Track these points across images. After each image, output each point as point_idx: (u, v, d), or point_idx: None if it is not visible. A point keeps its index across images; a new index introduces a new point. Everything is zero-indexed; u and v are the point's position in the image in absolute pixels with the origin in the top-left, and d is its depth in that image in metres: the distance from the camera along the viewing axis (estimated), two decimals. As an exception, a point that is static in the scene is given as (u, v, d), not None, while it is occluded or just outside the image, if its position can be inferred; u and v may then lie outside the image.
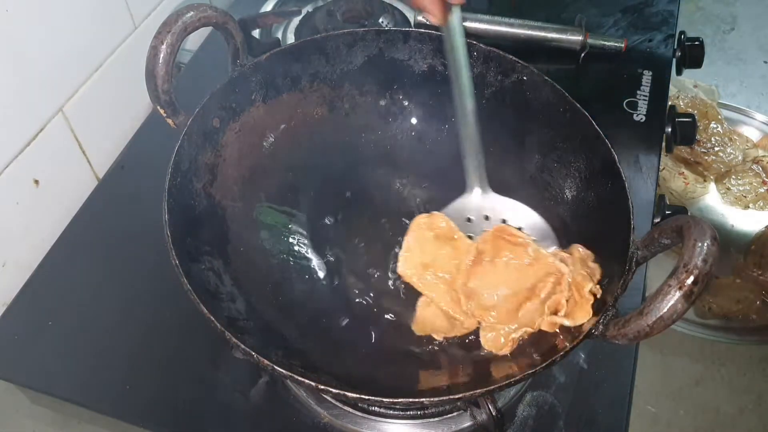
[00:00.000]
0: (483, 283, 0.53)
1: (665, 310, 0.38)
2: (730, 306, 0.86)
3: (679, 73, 0.90)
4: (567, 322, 0.43)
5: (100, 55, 0.72)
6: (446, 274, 0.54)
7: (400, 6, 0.87)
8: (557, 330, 0.46)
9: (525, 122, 0.60)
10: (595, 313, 0.43)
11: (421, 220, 0.56)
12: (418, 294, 0.57)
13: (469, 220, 0.57)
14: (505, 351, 0.50)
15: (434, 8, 0.51)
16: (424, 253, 0.55)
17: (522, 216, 0.57)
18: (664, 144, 0.78)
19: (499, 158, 0.58)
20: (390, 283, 0.59)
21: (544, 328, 0.46)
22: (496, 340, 0.50)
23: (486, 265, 0.53)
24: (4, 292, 0.64)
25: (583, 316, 0.43)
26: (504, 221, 0.57)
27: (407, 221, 0.59)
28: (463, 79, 0.54)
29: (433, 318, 0.54)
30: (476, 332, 0.52)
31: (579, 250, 0.50)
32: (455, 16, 0.53)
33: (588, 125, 0.55)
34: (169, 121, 0.52)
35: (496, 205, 0.57)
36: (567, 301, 0.47)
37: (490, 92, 0.60)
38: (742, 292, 0.87)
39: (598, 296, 0.45)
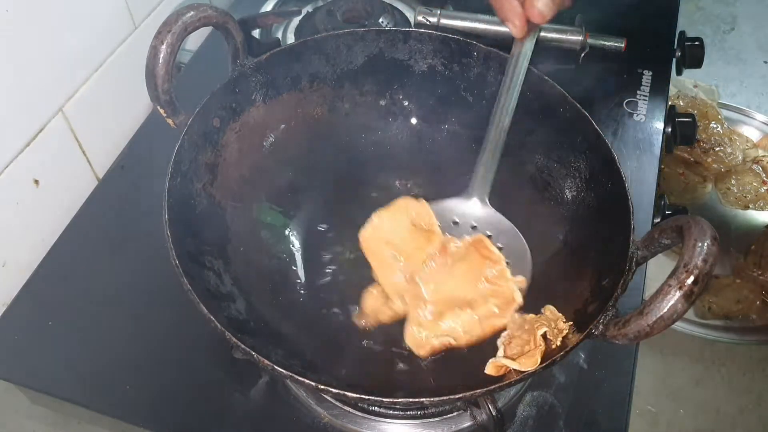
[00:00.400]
0: (432, 279, 0.53)
1: (665, 310, 0.38)
2: (730, 306, 0.86)
3: (679, 73, 0.90)
4: (516, 366, 0.43)
5: (100, 55, 0.72)
6: (404, 260, 0.54)
7: (400, 6, 0.87)
8: (504, 372, 0.45)
9: (525, 122, 0.60)
10: (542, 361, 0.43)
11: (405, 202, 0.56)
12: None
13: (455, 223, 0.57)
14: (422, 353, 0.50)
15: (519, 22, 0.51)
16: (392, 232, 0.55)
17: (507, 238, 0.56)
18: (664, 144, 0.78)
19: (499, 158, 0.58)
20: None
21: (489, 371, 0.45)
22: (418, 338, 0.51)
23: (446, 266, 0.53)
24: (4, 292, 0.64)
25: (531, 363, 0.43)
26: (489, 236, 0.56)
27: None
28: (511, 100, 0.54)
29: (377, 306, 0.54)
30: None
31: (551, 309, 0.49)
32: (529, 39, 0.53)
33: (588, 125, 0.55)
34: (169, 121, 0.52)
35: (489, 220, 0.57)
36: (524, 345, 0.47)
37: (490, 92, 0.60)
38: (742, 292, 0.87)
39: (555, 346, 0.45)
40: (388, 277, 0.54)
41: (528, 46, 0.54)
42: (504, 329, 0.50)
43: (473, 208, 0.57)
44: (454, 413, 0.55)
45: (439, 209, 0.57)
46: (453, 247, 0.55)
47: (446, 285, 0.54)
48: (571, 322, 0.47)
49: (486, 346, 0.49)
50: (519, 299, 0.51)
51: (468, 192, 0.57)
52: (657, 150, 0.75)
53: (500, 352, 0.46)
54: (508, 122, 0.55)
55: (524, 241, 0.56)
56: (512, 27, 0.52)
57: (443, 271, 0.54)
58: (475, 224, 0.57)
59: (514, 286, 0.52)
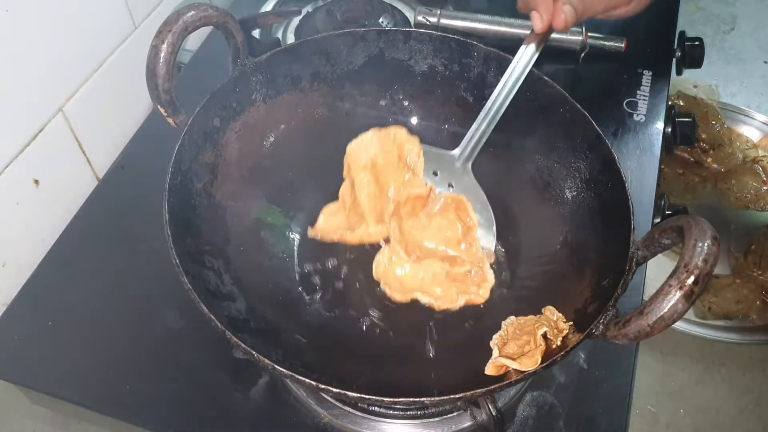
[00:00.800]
0: (413, 221, 0.54)
1: (666, 310, 0.38)
2: (730, 306, 0.86)
3: (679, 73, 0.90)
4: (516, 366, 0.43)
5: (100, 54, 0.72)
6: (386, 186, 0.54)
7: (400, 6, 0.87)
8: (504, 372, 0.45)
9: (525, 122, 0.60)
10: (542, 361, 0.43)
11: (400, 132, 0.56)
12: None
13: (435, 174, 0.57)
14: (381, 278, 0.53)
15: (546, 15, 0.52)
16: (379, 154, 0.55)
17: (478, 208, 0.57)
18: (664, 144, 0.78)
19: (499, 158, 0.58)
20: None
21: (489, 371, 0.45)
22: (385, 263, 0.53)
23: (423, 212, 0.55)
24: (4, 292, 0.64)
25: (531, 363, 0.43)
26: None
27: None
28: (507, 89, 0.55)
29: (334, 223, 0.56)
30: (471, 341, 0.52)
31: (551, 309, 0.49)
32: (539, 44, 0.54)
33: (588, 125, 0.55)
34: (170, 120, 0.52)
35: (467, 184, 0.57)
36: (524, 346, 0.47)
37: (490, 92, 0.60)
38: (742, 292, 0.87)
39: (555, 346, 0.45)
40: (368, 200, 0.54)
41: (533, 49, 0.55)
42: (475, 304, 0.53)
43: (455, 166, 0.57)
44: (455, 413, 0.55)
45: (426, 153, 0.57)
46: (434, 196, 0.55)
47: (421, 231, 0.54)
48: (572, 322, 0.47)
49: (486, 346, 0.49)
50: (491, 278, 0.53)
51: (456, 151, 0.57)
52: (657, 150, 0.75)
53: (495, 353, 0.46)
54: (505, 104, 0.56)
55: (493, 216, 0.57)
56: (537, 18, 0.52)
57: (420, 216, 0.54)
58: (452, 183, 0.57)
59: (480, 254, 0.54)
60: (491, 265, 0.56)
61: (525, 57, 0.55)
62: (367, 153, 0.55)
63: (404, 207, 0.55)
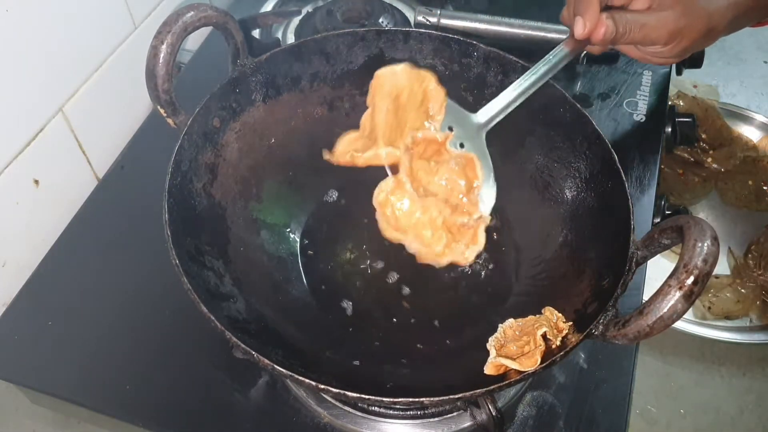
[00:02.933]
0: (423, 164, 0.55)
1: (665, 310, 0.38)
2: (730, 306, 0.86)
3: (679, 73, 0.90)
4: (515, 366, 0.43)
5: (100, 54, 0.72)
6: (402, 123, 0.55)
7: (400, 6, 0.87)
8: (503, 372, 0.46)
9: (525, 122, 0.60)
10: (542, 362, 0.43)
11: (430, 77, 0.56)
12: (421, 298, 0.57)
13: (450, 129, 0.57)
14: (379, 207, 0.54)
15: (590, 23, 0.52)
16: (405, 89, 0.55)
17: (484, 174, 0.57)
18: (664, 144, 0.78)
19: (499, 158, 0.58)
20: (391, 281, 0.60)
21: (488, 371, 0.45)
22: (387, 192, 0.54)
23: (435, 161, 0.55)
24: (4, 292, 0.64)
25: (531, 363, 0.43)
26: None
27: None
28: (539, 74, 0.56)
29: (350, 144, 0.56)
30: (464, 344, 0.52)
31: (550, 309, 0.49)
32: (569, 48, 0.55)
33: (588, 125, 0.55)
34: (170, 120, 0.52)
35: (477, 148, 0.57)
36: (524, 346, 0.47)
37: (491, 92, 0.60)
38: (741, 292, 0.87)
39: (555, 346, 0.45)
40: (384, 122, 0.55)
41: (562, 53, 0.56)
42: (459, 264, 0.55)
43: (472, 129, 0.57)
44: (454, 413, 0.55)
45: (448, 107, 0.57)
46: (449, 146, 0.56)
47: (427, 175, 0.55)
48: (571, 322, 0.47)
49: (485, 346, 0.49)
50: (482, 241, 0.54)
51: (477, 114, 0.57)
52: (657, 150, 0.75)
53: (492, 354, 0.46)
54: (535, 84, 0.56)
55: (495, 186, 0.57)
56: (580, 24, 0.53)
57: (430, 162, 0.55)
58: (465, 144, 0.57)
59: (482, 226, 0.54)
60: (485, 228, 0.56)
61: (561, 53, 0.56)
62: (394, 84, 0.55)
63: (417, 147, 0.55)
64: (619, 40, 0.55)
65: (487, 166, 0.57)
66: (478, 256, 0.55)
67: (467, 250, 0.55)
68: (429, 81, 0.56)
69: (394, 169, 0.57)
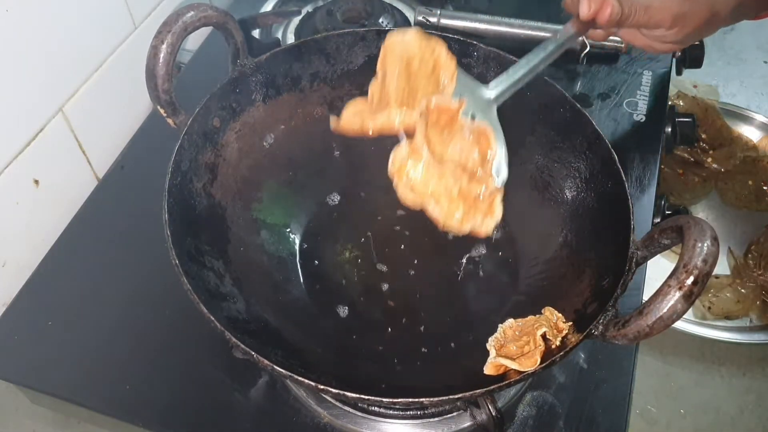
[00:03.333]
0: (436, 132, 0.53)
1: (665, 310, 0.38)
2: (729, 306, 0.86)
3: (679, 73, 0.90)
4: (515, 366, 0.43)
5: (100, 54, 0.72)
6: (414, 90, 0.54)
7: (400, 6, 0.87)
8: (503, 372, 0.45)
9: (525, 122, 0.60)
10: (542, 362, 0.43)
11: (439, 46, 0.54)
12: (421, 298, 0.57)
13: (459, 96, 0.55)
14: (396, 174, 0.52)
15: (595, 4, 0.52)
16: (416, 57, 0.54)
17: (495, 148, 0.55)
18: (664, 144, 0.78)
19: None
20: (392, 282, 0.60)
21: (488, 371, 0.45)
22: (402, 158, 0.52)
23: (448, 131, 0.54)
24: (3, 292, 0.64)
25: (531, 364, 0.43)
26: None
27: (407, 222, 0.59)
28: (549, 51, 0.56)
29: (358, 113, 0.54)
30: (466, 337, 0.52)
31: (550, 310, 0.49)
32: (574, 28, 0.55)
33: (588, 125, 0.55)
34: (170, 120, 0.52)
35: (489, 119, 0.55)
36: (524, 346, 0.47)
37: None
38: (741, 292, 0.87)
39: (555, 346, 0.45)
40: (396, 87, 0.54)
41: (560, 41, 0.55)
42: (479, 235, 0.52)
43: (484, 101, 0.55)
44: (454, 413, 0.55)
45: (459, 77, 0.55)
46: (462, 116, 0.54)
47: (442, 145, 0.54)
48: (571, 323, 0.47)
49: (485, 347, 0.49)
50: (499, 213, 0.52)
51: (488, 86, 0.55)
52: (657, 150, 0.75)
53: (492, 354, 0.46)
54: (545, 61, 0.55)
55: (507, 158, 0.55)
56: (585, 4, 0.53)
57: (443, 132, 0.54)
58: (476, 115, 0.55)
59: (498, 197, 0.52)
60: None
61: (568, 33, 0.56)
62: (405, 49, 0.54)
63: (431, 115, 0.54)
64: (624, 21, 0.55)
65: (501, 138, 0.55)
66: (496, 227, 0.53)
67: (485, 221, 0.53)
68: (440, 49, 0.54)
69: (408, 135, 0.54)
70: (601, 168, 0.54)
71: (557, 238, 0.57)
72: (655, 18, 0.57)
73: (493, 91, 0.55)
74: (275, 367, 0.40)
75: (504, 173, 0.55)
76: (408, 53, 0.54)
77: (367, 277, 0.60)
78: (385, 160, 0.56)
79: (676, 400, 0.78)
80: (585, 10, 0.53)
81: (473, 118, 0.55)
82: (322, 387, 0.40)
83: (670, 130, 0.81)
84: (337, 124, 0.54)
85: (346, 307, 0.57)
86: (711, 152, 1.05)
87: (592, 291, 0.49)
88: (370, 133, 0.54)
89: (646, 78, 0.83)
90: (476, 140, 0.54)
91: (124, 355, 0.59)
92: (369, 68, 0.61)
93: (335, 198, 0.64)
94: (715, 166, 1.04)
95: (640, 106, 0.79)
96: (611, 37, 0.83)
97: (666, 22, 0.57)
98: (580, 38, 0.81)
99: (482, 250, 0.61)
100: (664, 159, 0.82)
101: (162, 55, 0.48)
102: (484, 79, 0.61)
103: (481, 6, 0.90)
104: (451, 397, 0.41)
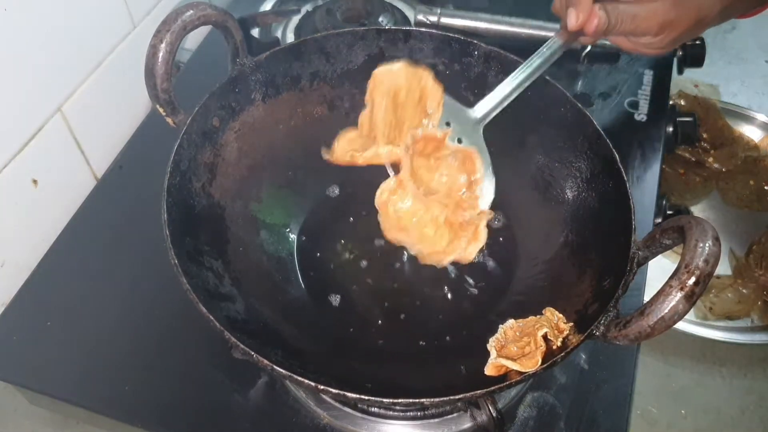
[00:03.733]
0: (423, 161, 0.55)
1: (666, 310, 0.38)
2: (731, 306, 0.86)
3: (680, 72, 0.89)
4: (516, 367, 0.43)
5: (99, 54, 0.72)
6: (401, 121, 0.55)
7: (400, 5, 0.87)
8: (504, 372, 0.45)
9: (526, 122, 0.59)
10: (542, 362, 0.43)
11: (427, 75, 0.56)
12: (421, 298, 0.57)
13: (447, 124, 0.57)
14: (381, 207, 0.54)
15: (583, 15, 0.53)
16: (403, 88, 0.55)
17: (481, 171, 0.57)
18: (665, 144, 0.77)
19: (499, 158, 0.58)
20: (392, 282, 0.59)
21: (488, 372, 0.45)
22: (388, 192, 0.54)
23: (434, 157, 0.56)
24: (2, 293, 0.64)
25: (531, 364, 0.43)
26: None
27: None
28: (532, 68, 0.56)
29: (350, 143, 0.56)
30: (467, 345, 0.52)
31: (551, 310, 0.49)
32: (561, 39, 0.56)
33: (589, 125, 0.55)
34: (169, 120, 0.52)
35: (474, 142, 0.57)
36: (525, 347, 0.47)
37: (491, 92, 0.60)
38: (743, 292, 0.87)
39: (556, 347, 0.45)
40: (383, 120, 0.55)
41: (553, 48, 0.56)
42: (461, 262, 0.54)
43: (469, 124, 0.56)
44: (455, 414, 0.55)
45: (445, 104, 0.57)
46: (448, 141, 0.56)
47: (428, 173, 0.56)
48: (572, 323, 0.46)
49: (486, 347, 0.48)
50: (483, 238, 0.54)
51: (474, 109, 0.56)
52: (658, 150, 0.75)
53: (493, 354, 0.46)
54: (529, 78, 0.56)
55: (494, 180, 0.56)
56: (572, 15, 0.54)
57: (429, 159, 0.55)
58: (462, 139, 0.57)
59: (484, 221, 0.54)
60: (487, 224, 0.56)
61: (555, 45, 0.56)
62: (392, 82, 0.55)
63: (417, 144, 0.55)
64: (611, 31, 0.55)
65: (486, 159, 0.57)
66: (480, 251, 0.55)
67: (469, 247, 0.55)
68: (426, 78, 0.56)
69: (395, 167, 0.56)
70: (603, 168, 0.54)
71: (558, 238, 0.56)
72: (642, 26, 0.57)
73: (478, 112, 0.56)
74: (275, 367, 0.40)
75: (490, 196, 0.56)
76: (395, 84, 0.55)
77: (367, 277, 0.60)
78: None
79: (677, 401, 0.78)
80: (573, 21, 0.54)
81: (459, 141, 0.56)
82: (321, 387, 0.40)
83: (671, 129, 0.81)
84: (330, 156, 0.56)
85: (346, 308, 0.57)
86: (712, 152, 1.04)
87: (593, 291, 0.49)
88: (360, 163, 0.55)
89: (647, 77, 0.82)
90: (462, 164, 0.56)
91: (123, 355, 0.59)
92: (369, 67, 0.61)
93: (335, 198, 0.64)
94: (716, 165, 1.04)
95: (641, 106, 0.79)
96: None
97: (653, 30, 0.58)
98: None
99: (483, 251, 0.61)
100: (665, 159, 0.82)
101: (161, 54, 0.48)
102: (485, 79, 0.61)
103: (481, 5, 0.89)
104: (451, 397, 0.41)
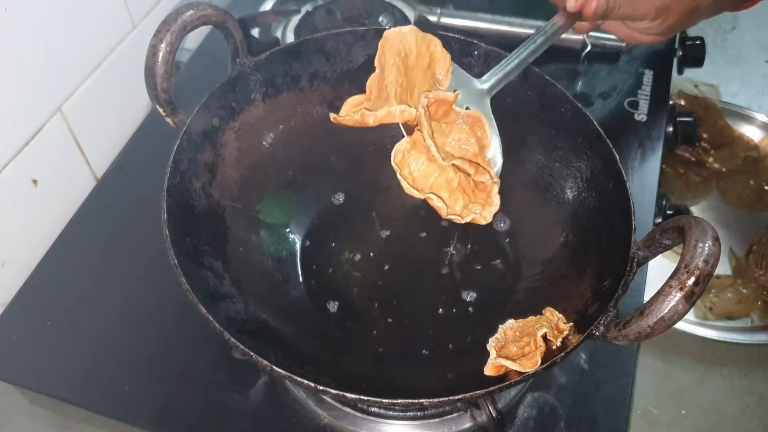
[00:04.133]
0: (435, 125, 0.55)
1: (666, 310, 0.38)
2: (731, 306, 0.85)
3: (680, 72, 0.89)
4: (516, 367, 0.43)
5: (98, 54, 0.72)
6: (411, 85, 0.55)
7: (400, 5, 0.87)
8: (503, 372, 0.45)
9: (526, 122, 0.59)
10: (542, 363, 0.43)
11: (434, 42, 0.56)
12: (421, 299, 0.57)
13: (454, 90, 0.57)
14: (399, 166, 0.54)
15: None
16: (412, 52, 0.55)
17: (490, 136, 0.57)
18: (665, 144, 0.77)
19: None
20: (392, 283, 0.59)
21: (488, 372, 0.45)
22: (404, 152, 0.54)
23: (446, 122, 0.55)
24: (2, 293, 0.64)
25: (531, 364, 0.43)
26: None
27: (408, 222, 0.59)
28: (539, 43, 0.56)
29: (357, 107, 0.56)
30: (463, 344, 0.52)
31: (551, 310, 0.49)
32: (563, 20, 0.56)
33: (589, 125, 0.55)
34: (169, 120, 0.52)
35: (482, 111, 0.56)
36: (524, 347, 0.47)
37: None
38: (743, 292, 0.87)
39: (555, 347, 0.45)
40: (395, 81, 0.55)
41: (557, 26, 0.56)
42: (479, 224, 0.54)
43: (476, 93, 0.57)
44: (454, 414, 0.55)
45: (454, 72, 0.57)
46: (457, 107, 0.56)
47: (441, 137, 0.55)
48: (572, 323, 0.46)
49: (485, 347, 0.48)
50: (497, 202, 0.54)
51: (482, 79, 0.56)
52: (658, 150, 0.75)
53: (492, 355, 0.46)
54: (535, 52, 0.56)
55: (501, 147, 0.56)
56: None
57: (441, 124, 0.55)
58: (470, 107, 0.57)
59: (495, 188, 0.54)
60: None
61: (556, 25, 0.57)
62: (402, 44, 0.56)
63: (429, 107, 0.55)
64: (609, 14, 0.56)
65: (494, 127, 0.57)
66: (495, 216, 0.55)
67: (484, 211, 0.55)
68: (435, 44, 0.56)
69: (407, 128, 0.56)
70: (603, 168, 0.54)
71: (558, 238, 0.56)
72: (640, 10, 0.59)
73: (486, 84, 0.56)
74: (274, 367, 0.40)
75: (499, 163, 0.56)
76: (405, 48, 0.55)
77: (367, 277, 0.59)
78: (384, 160, 0.57)
79: (677, 401, 0.78)
80: (572, 3, 0.55)
81: (467, 109, 0.56)
82: (321, 387, 0.40)
83: (671, 129, 0.81)
84: (336, 119, 0.55)
85: (346, 307, 0.57)
86: (712, 152, 1.04)
87: (593, 291, 0.49)
88: (371, 123, 0.54)
89: (647, 77, 0.82)
90: (471, 129, 0.55)
91: (122, 355, 0.59)
92: (369, 67, 0.61)
93: (335, 197, 0.64)
94: (716, 166, 1.04)
95: (641, 106, 0.79)
96: (610, 36, 0.83)
97: (650, 14, 0.59)
98: (581, 37, 0.81)
99: (484, 251, 0.61)
100: (666, 159, 0.82)
101: (161, 54, 0.48)
102: (485, 79, 0.61)
103: (481, 5, 0.89)
104: (451, 398, 0.41)
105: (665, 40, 0.66)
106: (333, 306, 0.57)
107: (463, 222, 0.55)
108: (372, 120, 0.54)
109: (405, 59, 0.55)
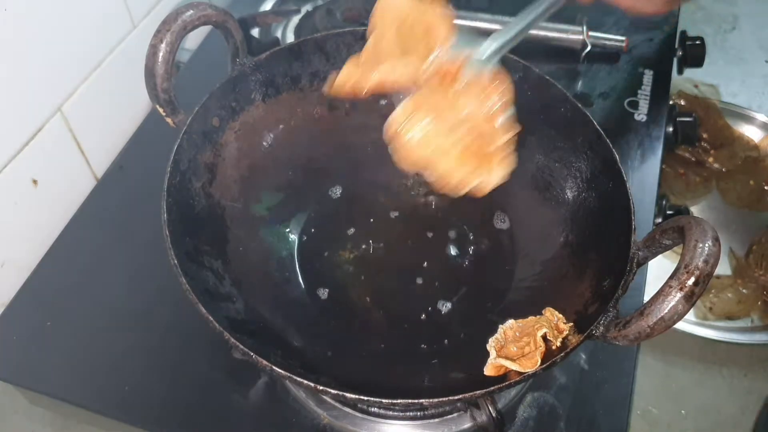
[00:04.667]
0: (440, 96, 0.52)
1: (666, 311, 0.38)
2: (731, 306, 0.86)
3: (680, 72, 0.89)
4: (515, 367, 0.43)
5: (99, 54, 0.72)
6: (407, 50, 0.52)
7: (401, 5, 0.87)
8: (503, 373, 0.45)
9: (526, 122, 0.59)
10: (542, 363, 0.43)
11: (434, 14, 0.53)
12: (421, 299, 0.57)
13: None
14: (400, 156, 0.50)
15: None
16: (408, 17, 0.52)
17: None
18: (665, 143, 0.77)
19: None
20: (392, 283, 0.59)
21: (488, 372, 0.45)
22: (401, 121, 0.50)
23: (452, 92, 0.52)
24: (2, 293, 0.64)
25: (531, 364, 0.43)
26: None
27: (408, 221, 0.59)
28: (538, 12, 0.54)
29: (351, 75, 0.52)
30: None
31: (551, 310, 0.49)
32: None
33: (589, 125, 0.55)
34: (169, 120, 0.52)
35: (483, 77, 0.53)
36: (524, 347, 0.46)
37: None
38: (743, 292, 0.87)
39: (555, 347, 0.45)
40: (394, 44, 0.52)
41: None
42: (483, 188, 0.51)
43: (479, 60, 0.53)
44: (454, 414, 0.55)
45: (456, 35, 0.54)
46: (464, 74, 0.52)
47: (446, 98, 0.52)
48: (572, 323, 0.46)
49: (485, 347, 0.48)
50: (512, 161, 0.51)
51: (483, 46, 0.53)
52: (658, 150, 0.75)
53: (492, 355, 0.46)
54: (534, 22, 0.53)
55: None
56: None
57: (447, 94, 0.52)
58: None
59: (501, 127, 0.51)
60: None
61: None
62: (398, 7, 0.52)
63: (432, 79, 0.52)
64: None
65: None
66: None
67: (494, 173, 0.51)
68: (431, 14, 0.53)
69: (407, 91, 0.52)
70: (603, 168, 0.54)
71: (558, 238, 0.56)
72: None
73: (487, 50, 0.53)
74: (274, 367, 0.40)
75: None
76: (400, 9, 0.52)
77: (367, 277, 0.60)
78: (384, 160, 0.57)
79: (677, 401, 0.78)
80: None
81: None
82: (321, 388, 0.40)
83: (671, 129, 0.81)
84: (331, 88, 0.52)
85: (346, 307, 0.57)
86: (712, 152, 1.04)
87: (592, 291, 0.49)
88: (365, 92, 0.51)
89: (647, 77, 0.82)
90: (480, 90, 0.52)
91: (122, 356, 0.59)
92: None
93: (335, 197, 0.64)
94: (716, 166, 1.04)
95: (641, 106, 0.79)
96: (610, 36, 0.83)
97: None
98: (581, 38, 0.81)
99: (484, 250, 0.61)
100: (666, 159, 0.82)
101: (161, 54, 0.48)
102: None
103: (481, 5, 0.89)
104: (451, 398, 0.41)
105: (668, 10, 0.64)
106: (333, 305, 0.57)
107: (458, 195, 0.51)
108: (375, 76, 0.51)
109: (402, 23, 0.52)
